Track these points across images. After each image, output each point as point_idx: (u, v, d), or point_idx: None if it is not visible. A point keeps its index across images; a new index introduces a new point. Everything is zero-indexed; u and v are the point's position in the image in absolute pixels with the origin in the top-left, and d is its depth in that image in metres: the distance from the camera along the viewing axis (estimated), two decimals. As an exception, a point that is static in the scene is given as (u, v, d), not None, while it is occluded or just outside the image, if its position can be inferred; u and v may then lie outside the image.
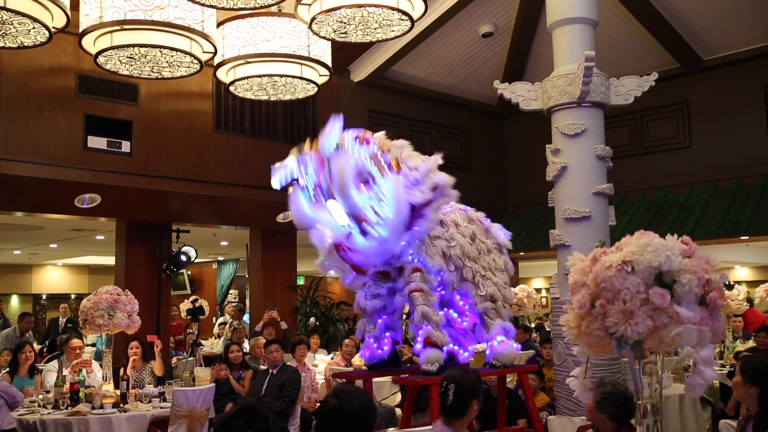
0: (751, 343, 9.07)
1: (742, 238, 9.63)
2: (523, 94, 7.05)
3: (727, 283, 2.73)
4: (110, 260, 10.58)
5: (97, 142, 7.98)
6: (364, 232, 4.56)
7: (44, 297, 19.02)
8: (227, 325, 11.70)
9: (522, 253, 12.15)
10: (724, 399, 7.62)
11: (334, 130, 4.86)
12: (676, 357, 7.24)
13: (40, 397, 6.46)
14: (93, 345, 8.34)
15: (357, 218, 4.55)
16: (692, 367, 2.59)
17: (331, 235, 4.68)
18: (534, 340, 10.85)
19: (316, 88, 7.19)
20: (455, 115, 12.20)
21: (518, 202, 12.53)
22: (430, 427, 3.85)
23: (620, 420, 3.67)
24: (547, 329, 11.81)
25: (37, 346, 10.09)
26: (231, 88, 7.18)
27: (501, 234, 5.84)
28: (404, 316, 5.69)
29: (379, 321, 5.19)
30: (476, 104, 12.40)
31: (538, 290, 16.44)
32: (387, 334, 5.23)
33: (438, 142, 11.93)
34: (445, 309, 5.35)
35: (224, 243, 13.55)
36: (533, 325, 12.54)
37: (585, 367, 2.96)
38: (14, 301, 18.48)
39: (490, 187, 12.57)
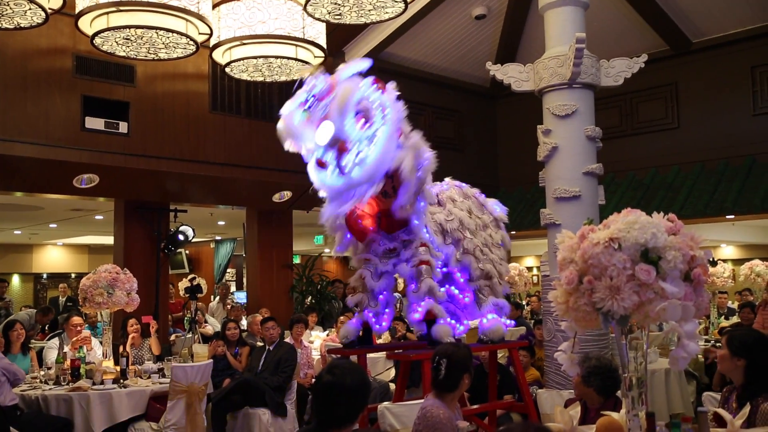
0: (735, 320, 9.29)
1: (728, 217, 9.81)
2: (515, 76, 7.16)
3: (711, 259, 2.84)
4: (109, 240, 10.67)
5: (94, 123, 8.05)
6: (339, 168, 4.45)
7: (45, 276, 19.11)
8: (216, 302, 11.89)
9: (513, 232, 12.30)
10: (708, 373, 7.83)
11: (357, 65, 4.72)
12: (661, 332, 7.45)
13: (42, 373, 6.60)
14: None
15: (340, 147, 4.44)
16: (676, 341, 2.70)
17: (309, 150, 4.59)
18: (525, 317, 11.05)
19: (312, 69, 7.27)
20: (448, 96, 12.29)
21: (510, 181, 12.67)
22: (422, 400, 3.98)
23: (606, 393, 3.81)
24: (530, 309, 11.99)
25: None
26: (227, 70, 7.27)
27: (497, 209, 5.89)
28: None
29: (381, 297, 5.23)
30: (469, 85, 12.48)
31: (530, 268, 16.64)
32: (387, 310, 5.27)
33: (431, 123, 12.03)
34: (447, 285, 5.45)
35: (221, 222, 13.65)
36: (525, 303, 12.72)
37: (573, 341, 3.09)
38: (15, 280, 18.57)
39: (483, 167, 12.70)
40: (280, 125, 4.70)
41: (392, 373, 8.00)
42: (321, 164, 4.52)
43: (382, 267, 5.09)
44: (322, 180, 4.52)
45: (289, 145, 4.75)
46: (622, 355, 2.79)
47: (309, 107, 4.51)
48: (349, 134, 4.40)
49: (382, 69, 11.31)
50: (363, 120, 4.44)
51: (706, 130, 10.66)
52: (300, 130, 4.51)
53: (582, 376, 3.70)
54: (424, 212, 5.01)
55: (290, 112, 4.60)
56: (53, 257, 19.09)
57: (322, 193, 4.71)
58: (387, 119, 4.51)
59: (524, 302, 12.70)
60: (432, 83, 11.94)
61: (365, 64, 4.76)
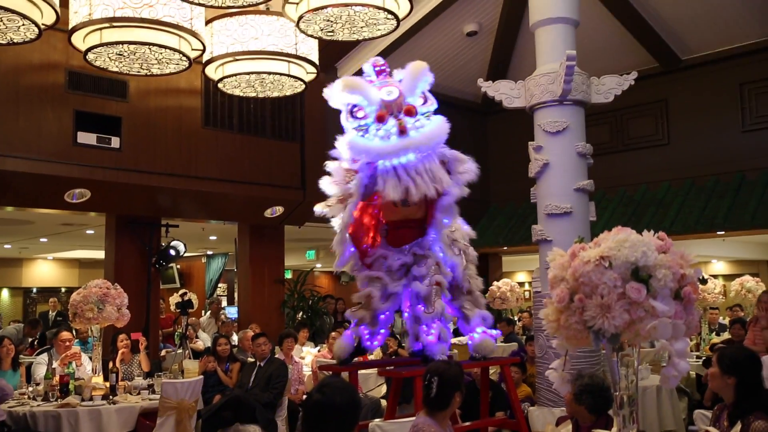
0: (726, 335, 9.31)
1: (718, 233, 9.86)
2: (506, 92, 7.20)
3: (701, 277, 2.85)
4: (100, 254, 10.63)
5: (86, 138, 8.05)
6: (401, 131, 4.57)
7: (34, 291, 19.00)
8: (207, 317, 11.85)
9: (505, 248, 12.34)
10: (700, 390, 7.84)
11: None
12: (653, 349, 7.45)
13: (30, 389, 6.54)
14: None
15: (407, 110, 4.61)
16: (667, 359, 2.71)
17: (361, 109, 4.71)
18: (517, 333, 11.05)
19: (304, 86, 7.31)
20: (440, 112, 12.26)
21: (501, 197, 12.71)
22: (414, 417, 3.97)
23: (598, 411, 3.81)
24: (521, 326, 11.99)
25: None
26: (219, 85, 7.28)
27: (465, 225, 5.82)
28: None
29: (382, 317, 5.07)
30: (461, 102, 12.54)
31: (521, 284, 16.64)
32: (382, 330, 5.12)
33: (423, 138, 12.06)
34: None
35: (213, 237, 13.62)
36: (516, 318, 12.72)
37: (564, 359, 3.09)
38: (4, 294, 18.46)
39: (474, 183, 12.65)
40: (340, 80, 4.84)
41: (383, 389, 7.98)
42: (380, 118, 4.59)
43: (392, 288, 4.93)
44: (370, 143, 4.61)
45: (341, 99, 4.83)
46: (614, 372, 2.79)
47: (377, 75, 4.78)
48: (412, 103, 4.61)
49: (374, 85, 11.39)
50: (423, 100, 4.73)
51: (695, 147, 10.74)
52: (363, 85, 4.64)
53: (574, 394, 3.69)
54: (444, 228, 5.01)
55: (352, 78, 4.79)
56: (43, 271, 18.98)
57: (360, 156, 4.77)
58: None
59: (516, 318, 12.70)
60: (424, 99, 11.98)
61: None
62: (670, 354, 2.66)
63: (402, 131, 4.60)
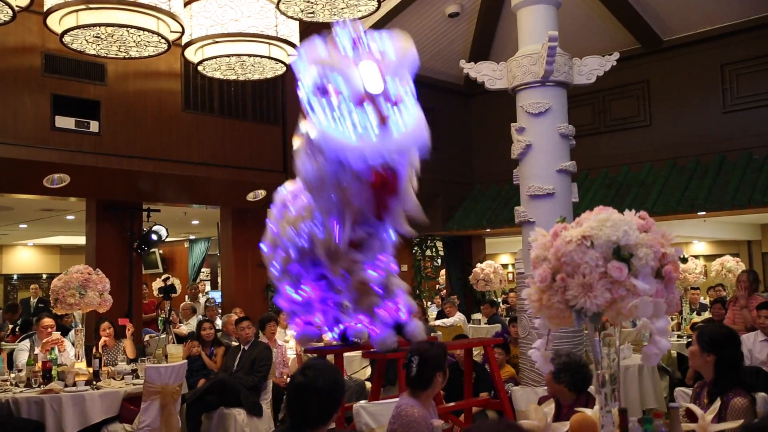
0: (707, 315, 9.42)
1: (699, 213, 9.94)
2: (488, 74, 7.18)
3: (681, 256, 2.87)
4: (81, 240, 10.54)
5: (65, 122, 7.95)
6: (381, 119, 3.97)
7: (15, 277, 18.83)
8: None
9: (488, 230, 12.38)
10: (681, 368, 7.93)
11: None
12: (634, 329, 7.53)
13: (12, 375, 6.50)
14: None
15: (391, 98, 4.03)
16: (648, 337, 2.73)
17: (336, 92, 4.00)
18: (501, 314, 11.11)
19: (285, 68, 7.25)
20: (422, 94, 12.02)
21: (485, 179, 12.73)
22: (398, 398, 3.98)
23: (577, 389, 3.84)
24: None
25: (10, 327, 10.07)
26: (199, 68, 7.21)
27: None
28: None
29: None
30: (443, 83, 12.50)
31: (505, 266, 16.74)
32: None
33: (405, 121, 12.04)
34: None
35: (195, 222, 13.55)
36: (500, 300, 12.81)
37: (546, 338, 3.11)
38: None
39: (457, 165, 12.74)
40: (311, 50, 4.15)
41: (368, 371, 8.00)
42: (359, 101, 3.97)
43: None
44: (346, 138, 3.96)
45: (311, 73, 4.14)
46: (596, 351, 2.80)
47: (354, 47, 4.06)
48: (394, 90, 4.04)
49: (356, 67, 11.34)
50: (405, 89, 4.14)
51: (677, 128, 10.79)
52: (342, 63, 3.98)
53: (552, 373, 3.72)
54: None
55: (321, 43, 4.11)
56: (24, 258, 18.81)
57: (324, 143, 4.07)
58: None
59: (499, 299, 12.77)
60: (406, 81, 11.95)
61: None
62: (651, 332, 2.68)
63: (382, 120, 4.03)
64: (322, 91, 4.09)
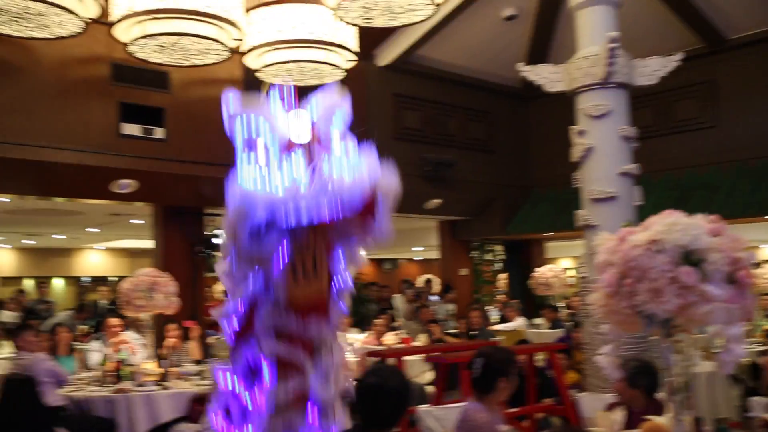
0: (778, 321, 9.12)
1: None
2: (547, 76, 7.13)
3: (754, 262, 2.79)
4: (148, 244, 10.82)
5: (131, 129, 8.19)
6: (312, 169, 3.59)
7: (86, 280, 19.50)
8: None
9: (547, 234, 12.24)
10: (754, 377, 7.69)
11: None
12: (703, 336, 7.32)
13: (86, 375, 6.73)
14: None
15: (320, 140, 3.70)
16: (720, 345, 2.67)
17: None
18: (562, 319, 10.98)
19: (343, 73, 7.33)
20: (480, 97, 12.25)
21: (544, 183, 12.58)
22: (463, 403, 3.97)
23: (652, 393, 3.76)
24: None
25: (83, 328, 10.43)
26: (259, 75, 7.34)
27: None
28: None
29: None
30: (501, 87, 12.43)
31: (566, 270, 16.49)
32: None
33: (462, 125, 12.02)
34: None
35: (255, 226, 13.75)
36: (561, 305, 12.65)
37: (615, 344, 3.07)
38: (57, 283, 18.98)
39: (515, 169, 12.65)
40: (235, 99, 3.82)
41: (428, 376, 8.00)
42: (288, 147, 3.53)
43: None
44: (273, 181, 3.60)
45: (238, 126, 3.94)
46: (666, 358, 2.76)
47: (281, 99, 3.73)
48: (327, 135, 3.69)
49: (413, 72, 11.35)
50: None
51: (744, 129, 10.48)
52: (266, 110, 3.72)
53: (627, 378, 3.64)
54: None
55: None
56: (94, 261, 19.44)
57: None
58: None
59: (560, 304, 12.61)
60: (463, 85, 11.91)
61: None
62: (725, 339, 2.62)
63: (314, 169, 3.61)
64: (249, 145, 3.68)
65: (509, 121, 12.74)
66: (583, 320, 6.95)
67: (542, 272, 11.43)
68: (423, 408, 4.01)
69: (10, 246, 17.96)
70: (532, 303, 12.91)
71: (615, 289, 2.69)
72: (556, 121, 10.44)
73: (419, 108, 11.41)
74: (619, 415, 3.07)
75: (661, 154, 10.83)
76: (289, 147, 3.52)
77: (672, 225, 2.64)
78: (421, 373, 8.17)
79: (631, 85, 6.82)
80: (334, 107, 3.78)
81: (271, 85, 3.85)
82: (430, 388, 7.61)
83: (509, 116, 12.77)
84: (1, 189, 8.43)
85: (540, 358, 7.44)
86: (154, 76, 8.37)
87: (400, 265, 23.60)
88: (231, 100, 3.62)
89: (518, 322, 10.15)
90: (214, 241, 9.70)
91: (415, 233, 16.51)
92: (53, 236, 15.90)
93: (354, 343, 8.81)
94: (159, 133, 8.40)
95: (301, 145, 3.57)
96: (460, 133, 12.00)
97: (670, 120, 11.15)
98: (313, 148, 3.55)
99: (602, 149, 6.66)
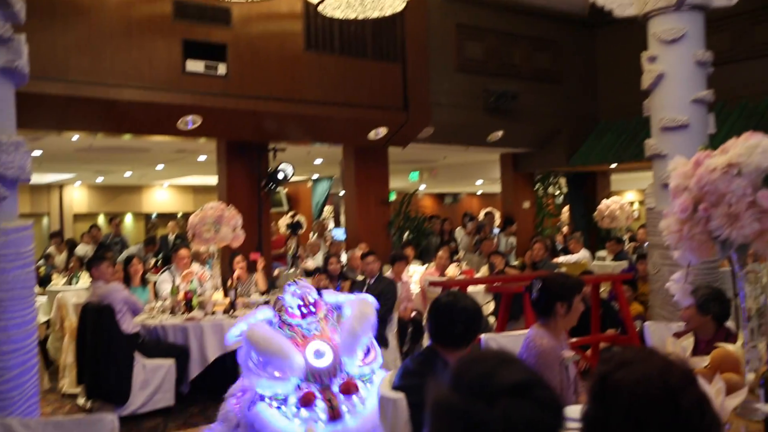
0: None
1: None
2: (617, 0, 6.83)
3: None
4: (212, 180, 11.03)
5: (195, 66, 8.26)
6: (333, 416, 3.47)
7: (154, 215, 20.14)
8: (315, 238, 12.19)
9: (614, 165, 11.97)
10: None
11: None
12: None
13: (158, 304, 7.00)
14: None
15: (345, 386, 3.47)
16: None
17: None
18: (627, 251, 10.82)
19: (404, 5, 7.18)
20: (545, 26, 11.90)
21: (611, 113, 12.24)
22: (526, 331, 3.98)
23: (722, 320, 3.70)
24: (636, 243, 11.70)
25: (152, 261, 10.82)
26: (319, 8, 7.27)
27: None
28: None
29: None
30: (566, 15, 12.02)
31: (631, 203, 16.18)
32: None
33: (527, 55, 11.72)
34: None
35: (318, 161, 13.85)
36: (625, 237, 12.45)
37: (686, 271, 3.01)
38: (128, 219, 19.67)
39: (581, 99, 12.32)
40: (253, 335, 3.54)
41: (490, 307, 8.04)
42: (307, 401, 3.46)
43: None
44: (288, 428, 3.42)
45: (246, 344, 3.59)
46: (737, 286, 2.70)
47: (293, 323, 3.51)
48: (351, 372, 3.48)
49: (475, 1, 11.06)
50: (367, 352, 3.55)
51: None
52: (282, 346, 3.42)
53: (698, 305, 3.58)
54: None
55: (262, 321, 3.60)
56: (160, 197, 20.02)
57: None
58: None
59: (625, 237, 12.42)
60: (527, 13, 11.57)
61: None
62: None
63: (334, 417, 3.44)
64: (261, 364, 3.52)
65: (575, 50, 12.36)
66: (649, 252, 6.82)
67: (607, 204, 11.23)
68: (487, 336, 4.04)
69: (81, 183, 18.60)
70: (595, 236, 12.75)
71: (689, 214, 2.62)
72: (625, 49, 10.06)
73: (482, 38, 11.15)
74: (688, 342, 3.04)
75: (738, 80, 10.34)
76: (307, 397, 3.35)
77: (753, 147, 2.54)
78: (483, 304, 8.22)
79: (708, 7, 6.48)
80: (363, 328, 3.50)
81: None
82: (492, 319, 7.67)
83: (575, 45, 12.38)
84: (72, 127, 8.68)
85: (604, 290, 7.38)
86: (216, 12, 8.38)
87: (461, 198, 23.54)
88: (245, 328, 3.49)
89: (582, 254, 10.05)
90: (279, 176, 9.81)
91: (477, 166, 16.38)
92: (123, 174, 16.37)
93: (415, 275, 8.89)
94: (221, 69, 8.44)
95: (320, 385, 3.39)
96: (524, 63, 11.72)
97: (749, 44, 10.60)
98: (333, 387, 3.38)
99: (674, 75, 6.39)
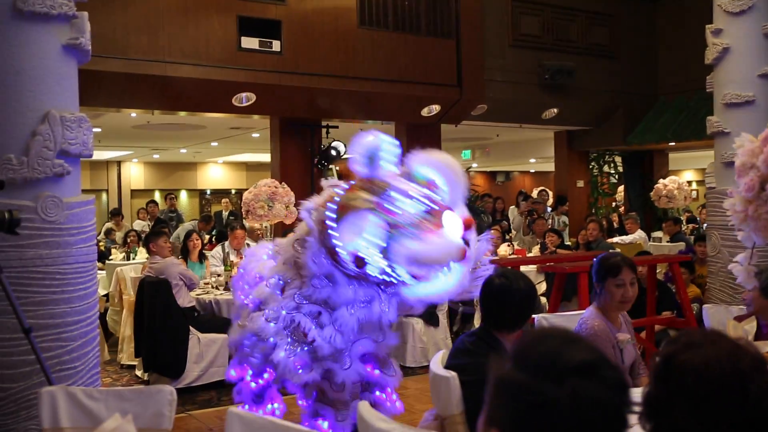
0: None
1: None
2: (680, -28, 6.62)
3: None
4: (265, 157, 11.13)
5: (249, 43, 8.31)
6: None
7: (208, 192, 20.51)
8: None
9: (673, 144, 11.68)
10: None
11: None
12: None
13: (213, 279, 7.12)
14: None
15: (467, 224, 3.25)
16: None
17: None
18: (684, 232, 10.57)
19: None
20: (603, 0, 11.62)
21: (670, 90, 11.90)
22: (581, 312, 3.93)
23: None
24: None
25: (206, 237, 11.01)
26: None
27: None
28: None
29: None
30: (626, -13, 11.72)
31: (689, 182, 15.79)
32: None
33: (584, 30, 11.46)
34: None
35: (370, 138, 13.87)
36: (683, 218, 12.17)
37: (750, 252, 2.92)
38: (183, 195, 20.09)
39: (640, 76, 12.01)
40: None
41: (542, 287, 7.95)
42: (463, 256, 3.05)
43: None
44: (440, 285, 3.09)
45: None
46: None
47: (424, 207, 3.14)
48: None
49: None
50: None
51: None
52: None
53: (762, 287, 3.47)
54: None
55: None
56: (215, 174, 20.35)
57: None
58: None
59: (682, 217, 12.13)
60: (585, -13, 11.33)
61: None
62: None
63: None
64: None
65: (634, 24, 12.03)
66: (708, 232, 6.64)
67: (664, 184, 10.97)
68: (540, 316, 4.00)
69: (138, 160, 19.02)
70: (651, 216, 12.49)
71: (755, 193, 2.54)
72: (687, 23, 9.79)
73: (538, 12, 10.94)
74: (751, 326, 2.95)
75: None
76: (462, 253, 2.97)
77: (823, 124, 2.43)
78: (537, 283, 8.14)
79: (777, -23, 6.24)
80: (460, 180, 3.27)
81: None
82: (543, 300, 7.59)
83: (634, 19, 12.04)
84: (130, 104, 8.85)
85: (660, 271, 7.23)
86: (271, -12, 8.41)
87: (513, 177, 23.29)
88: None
89: (637, 235, 9.85)
90: (332, 153, 9.85)
91: (531, 144, 16.17)
92: (178, 151, 16.66)
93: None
94: (276, 45, 8.48)
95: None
96: (581, 38, 11.46)
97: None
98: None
99: (740, 49, 6.18)
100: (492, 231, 8.74)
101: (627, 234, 10.03)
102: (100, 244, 9.91)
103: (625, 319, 3.49)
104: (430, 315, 6.92)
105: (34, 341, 3.26)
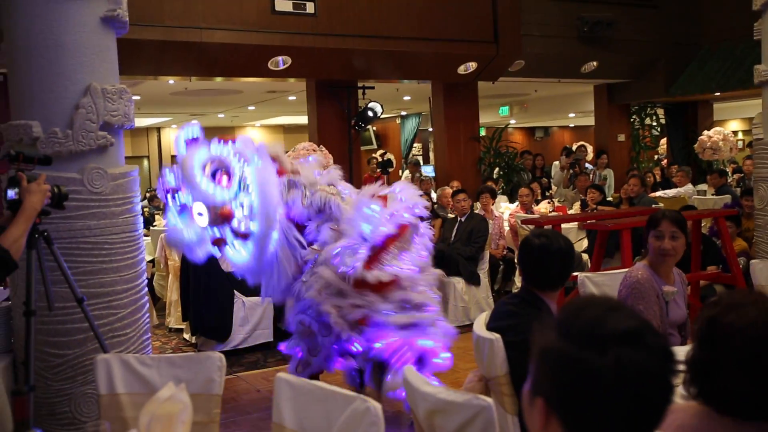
0: None
1: None
2: None
3: None
4: (302, 120, 11.13)
5: (283, 5, 8.27)
6: (236, 235, 3.80)
7: (246, 156, 20.66)
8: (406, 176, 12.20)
9: (718, 94, 11.38)
10: None
11: (187, 131, 4.26)
12: None
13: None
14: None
15: (221, 215, 3.75)
16: None
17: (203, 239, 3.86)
18: (730, 184, 10.36)
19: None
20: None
21: (715, 38, 11.54)
22: (624, 269, 3.91)
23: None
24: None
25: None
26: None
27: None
28: None
29: None
30: (667, -69, 11.33)
31: (734, 133, 15.40)
32: None
33: (623, -22, 11.16)
34: None
35: (407, 98, 13.77)
36: (728, 170, 11.91)
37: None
38: (220, 160, 20.30)
39: (682, 25, 11.66)
40: (168, 239, 4.03)
41: (583, 244, 7.90)
42: (218, 243, 3.87)
43: None
44: (234, 258, 3.93)
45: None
46: None
47: (178, 208, 3.84)
48: (217, 197, 3.74)
49: None
50: (226, 177, 3.84)
51: None
52: (190, 234, 3.80)
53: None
54: None
55: (171, 225, 3.93)
56: (253, 138, 20.44)
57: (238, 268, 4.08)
58: (250, 161, 3.92)
59: (728, 169, 11.87)
60: (624, -69, 10.99)
61: (195, 128, 4.25)
62: None
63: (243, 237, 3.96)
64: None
65: (676, -29, 11.66)
66: (755, 185, 6.49)
67: (709, 135, 10.71)
68: (583, 274, 3.98)
69: (177, 126, 19.20)
70: (695, 168, 12.26)
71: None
72: (732, -32, 9.42)
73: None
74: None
75: None
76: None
77: None
78: (576, 241, 8.08)
79: None
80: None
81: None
82: (585, 257, 7.54)
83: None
84: (167, 72, 8.90)
85: (705, 225, 7.11)
86: (302, -52, 8.33)
87: (552, 132, 22.97)
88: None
89: (685, 189, 9.65)
90: (368, 113, 9.82)
91: (570, 99, 15.90)
92: (216, 116, 16.78)
93: (504, 212, 8.79)
94: (310, 7, 8.43)
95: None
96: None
97: None
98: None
99: (789, -6, 5.93)
100: (523, 189, 8.66)
101: (671, 188, 9.86)
102: (144, 210, 10.09)
103: (681, 279, 3.47)
104: (471, 274, 6.94)
105: (87, 310, 3.36)
